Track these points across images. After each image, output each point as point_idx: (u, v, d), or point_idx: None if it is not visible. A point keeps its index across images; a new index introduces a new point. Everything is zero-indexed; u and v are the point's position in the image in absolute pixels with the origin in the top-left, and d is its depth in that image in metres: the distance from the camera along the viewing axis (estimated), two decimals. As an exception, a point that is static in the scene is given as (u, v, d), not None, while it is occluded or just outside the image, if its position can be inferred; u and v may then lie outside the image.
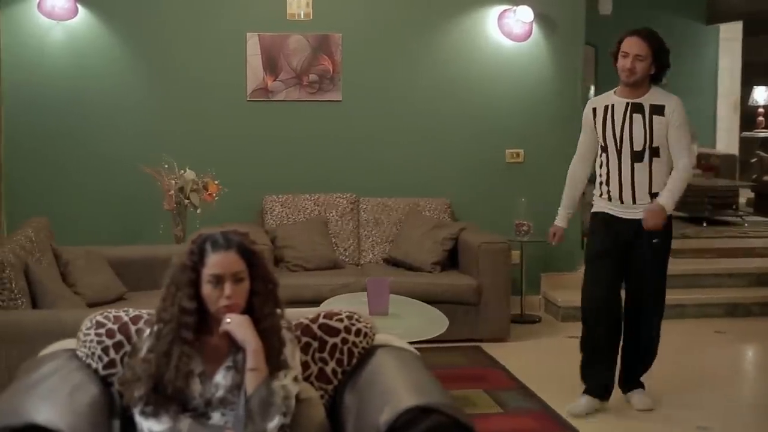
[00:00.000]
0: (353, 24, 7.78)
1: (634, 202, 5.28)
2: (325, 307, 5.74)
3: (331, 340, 3.49)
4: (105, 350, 3.36)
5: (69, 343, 3.50)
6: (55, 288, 5.06)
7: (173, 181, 6.93)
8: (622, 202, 5.32)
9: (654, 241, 5.27)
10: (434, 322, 5.44)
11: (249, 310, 3.18)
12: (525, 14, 7.81)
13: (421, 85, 7.91)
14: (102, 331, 3.39)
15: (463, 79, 7.97)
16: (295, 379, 3.17)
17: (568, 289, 7.77)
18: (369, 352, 3.52)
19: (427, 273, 7.13)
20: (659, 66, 5.21)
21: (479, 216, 7.89)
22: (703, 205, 10.35)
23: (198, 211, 6.97)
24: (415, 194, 7.85)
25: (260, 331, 3.15)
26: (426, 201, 7.80)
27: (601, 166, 5.40)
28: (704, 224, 10.25)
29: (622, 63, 5.17)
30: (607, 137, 5.32)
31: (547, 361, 6.66)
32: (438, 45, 7.93)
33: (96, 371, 3.34)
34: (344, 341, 3.49)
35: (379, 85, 7.87)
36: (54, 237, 6.23)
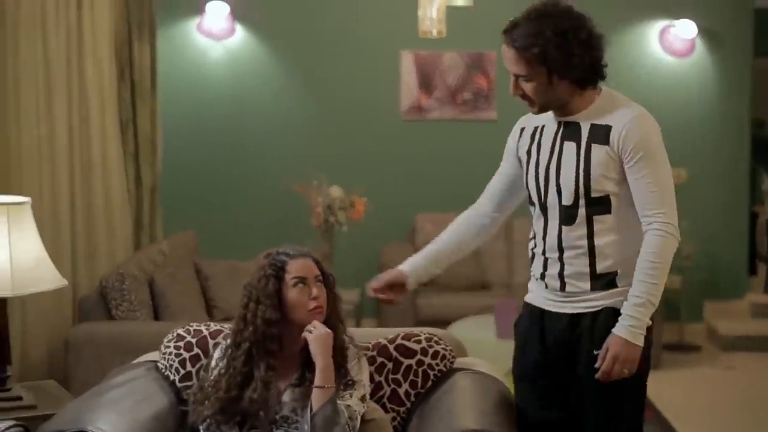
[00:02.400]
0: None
1: (563, 288, 3.10)
2: (453, 328, 5.70)
3: (406, 362, 3.44)
4: (182, 363, 3.42)
5: (156, 355, 3.58)
6: (178, 301, 5.18)
7: (321, 199, 6.99)
8: (546, 287, 3.16)
9: (597, 352, 3.01)
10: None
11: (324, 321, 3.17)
12: (686, 29, 7.51)
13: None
14: (181, 344, 3.46)
15: (630, 92, 7.70)
16: (363, 398, 3.13)
17: (732, 318, 7.41)
18: (446, 375, 3.44)
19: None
20: (566, 64, 2.95)
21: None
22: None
23: (344, 228, 7.01)
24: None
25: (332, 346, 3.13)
26: (582, 222, 7.58)
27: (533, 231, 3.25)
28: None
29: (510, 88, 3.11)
30: (529, 179, 3.17)
31: (697, 393, 6.37)
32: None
33: (173, 383, 3.40)
34: (419, 363, 3.43)
35: (537, 103, 7.70)
36: (198, 251, 6.39)
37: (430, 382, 3.42)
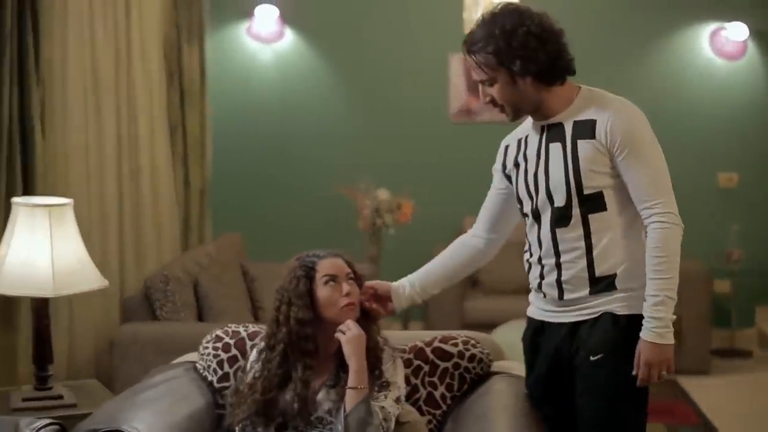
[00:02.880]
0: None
1: (561, 296, 3.02)
2: (497, 332, 5.68)
3: (442, 365, 3.43)
4: (220, 364, 3.45)
5: (196, 356, 3.61)
6: (222, 303, 5.22)
7: (368, 202, 7.00)
8: (545, 297, 3.09)
9: (593, 358, 2.96)
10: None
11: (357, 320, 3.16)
12: (738, 32, 7.41)
13: (634, 103, 7.65)
14: (219, 345, 3.49)
15: (672, 99, 7.65)
16: (397, 400, 3.13)
17: (786, 323, 7.30)
18: (482, 378, 3.43)
19: (626, 300, 6.85)
20: (522, 59, 2.89)
21: (689, 241, 7.50)
22: None
23: (391, 231, 7.01)
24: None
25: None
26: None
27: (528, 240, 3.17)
28: None
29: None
30: (519, 189, 3.10)
31: (746, 400, 6.27)
32: (646, 64, 7.66)
33: (210, 384, 3.43)
34: (456, 366, 3.43)
35: (586, 106, 7.66)
36: (245, 253, 6.43)
37: (466, 386, 3.41)
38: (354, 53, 7.78)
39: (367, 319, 3.20)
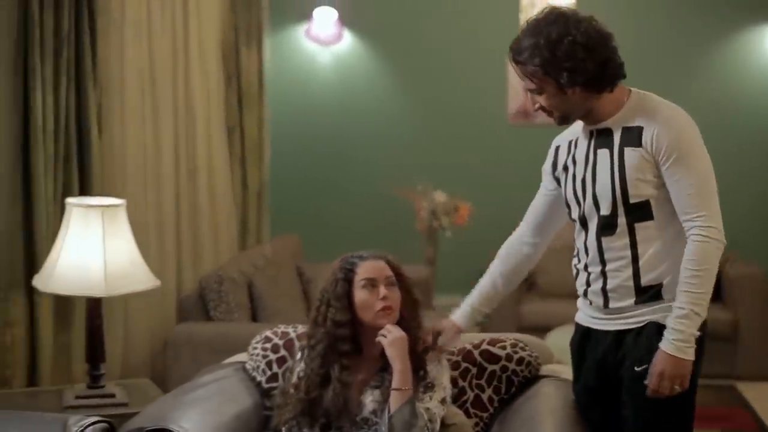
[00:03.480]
0: (620, 41, 7.53)
1: (606, 304, 2.97)
2: (551, 335, 5.64)
3: (490, 367, 3.42)
4: (269, 364, 3.47)
5: (246, 356, 3.62)
6: (277, 304, 5.24)
7: (425, 203, 7.00)
8: (590, 304, 3.04)
9: (638, 369, 2.90)
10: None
11: (398, 323, 3.16)
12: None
13: (692, 106, 7.54)
14: (268, 345, 3.51)
15: (731, 104, 7.54)
16: (443, 401, 3.11)
17: None
18: (530, 381, 3.41)
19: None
20: (569, 70, 2.82)
21: (749, 244, 7.38)
22: None
23: (448, 233, 7.00)
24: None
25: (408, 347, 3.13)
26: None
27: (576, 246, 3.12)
28: None
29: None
30: (567, 194, 3.05)
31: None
32: (703, 67, 7.57)
33: (259, 384, 3.45)
34: (504, 369, 3.41)
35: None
36: (302, 255, 6.46)
37: (513, 388, 3.39)
38: (412, 55, 7.76)
39: (409, 321, 3.19)
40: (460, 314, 3.29)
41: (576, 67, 2.80)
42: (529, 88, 2.92)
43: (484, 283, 3.32)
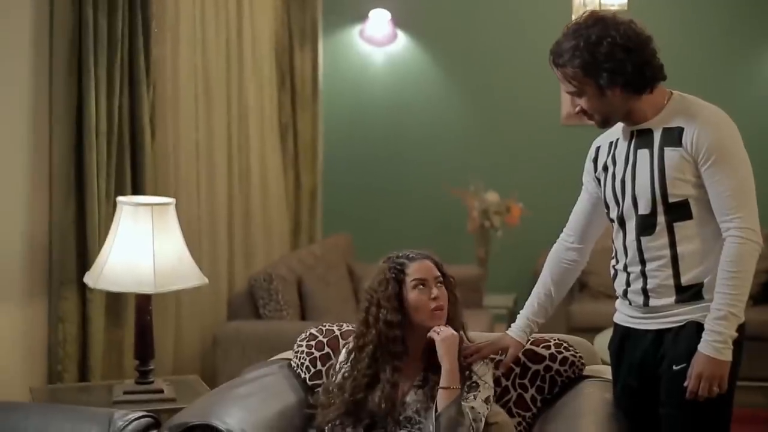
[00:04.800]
0: (666, 42, 7.47)
1: (646, 303, 2.98)
2: (600, 336, 5.61)
3: (533, 367, 3.41)
4: (313, 361, 3.50)
5: (291, 353, 3.66)
6: (326, 302, 5.28)
7: (477, 203, 7.00)
8: (630, 304, 3.06)
9: (676, 368, 2.91)
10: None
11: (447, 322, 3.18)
12: None
13: (734, 109, 7.45)
14: (312, 343, 3.54)
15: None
16: (487, 400, 3.13)
17: None
18: (573, 381, 3.40)
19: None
20: (608, 71, 2.85)
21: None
22: None
23: (499, 233, 6.99)
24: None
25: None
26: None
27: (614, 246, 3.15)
28: None
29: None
30: (606, 193, 3.07)
31: None
32: (757, 69, 7.51)
33: (303, 381, 3.48)
34: (547, 369, 3.41)
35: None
36: (353, 253, 6.49)
37: (557, 388, 3.39)
38: (464, 56, 7.77)
39: (455, 320, 3.21)
40: (517, 329, 3.32)
41: (615, 68, 2.84)
42: (570, 91, 2.94)
43: (537, 294, 3.34)
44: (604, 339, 5.52)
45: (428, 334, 3.12)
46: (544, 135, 7.72)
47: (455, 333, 3.12)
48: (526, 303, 3.35)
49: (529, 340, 3.38)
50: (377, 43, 7.72)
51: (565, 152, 7.61)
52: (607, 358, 3.59)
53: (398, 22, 7.72)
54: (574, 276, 3.37)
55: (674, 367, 2.90)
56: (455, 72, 7.81)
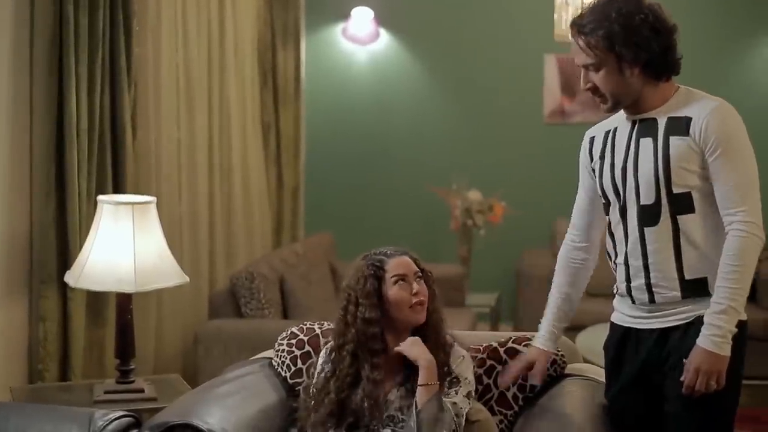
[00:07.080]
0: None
1: (651, 300, 2.91)
2: (583, 334, 5.63)
3: (515, 365, 3.40)
4: (293, 360, 3.49)
5: (272, 352, 3.65)
6: (308, 301, 5.27)
7: (459, 202, 7.01)
8: (633, 302, 2.99)
9: (686, 361, 2.84)
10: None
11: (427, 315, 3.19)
12: None
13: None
14: (293, 341, 3.54)
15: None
16: (468, 395, 3.13)
17: None
18: (555, 380, 3.40)
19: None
20: (634, 47, 2.81)
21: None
22: None
23: (481, 232, 7.00)
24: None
25: (433, 342, 3.16)
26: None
27: (611, 240, 3.08)
28: None
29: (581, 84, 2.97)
30: (604, 182, 3.00)
31: None
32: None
33: (285, 380, 3.47)
34: (529, 367, 3.39)
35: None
36: (335, 252, 6.49)
37: (538, 387, 3.39)
38: (447, 54, 7.78)
39: (434, 315, 3.20)
40: (543, 339, 3.26)
41: (642, 44, 2.81)
42: (587, 63, 2.88)
43: (555, 300, 3.26)
44: (586, 337, 5.56)
45: (396, 349, 3.12)
46: (528, 133, 7.74)
47: (416, 337, 3.13)
48: (545, 311, 3.28)
49: (558, 349, 3.36)
50: (360, 41, 7.72)
51: (548, 151, 7.67)
52: (590, 357, 3.61)
53: (381, 20, 7.72)
54: (587, 274, 3.26)
55: (685, 360, 2.83)
56: (438, 71, 7.81)
